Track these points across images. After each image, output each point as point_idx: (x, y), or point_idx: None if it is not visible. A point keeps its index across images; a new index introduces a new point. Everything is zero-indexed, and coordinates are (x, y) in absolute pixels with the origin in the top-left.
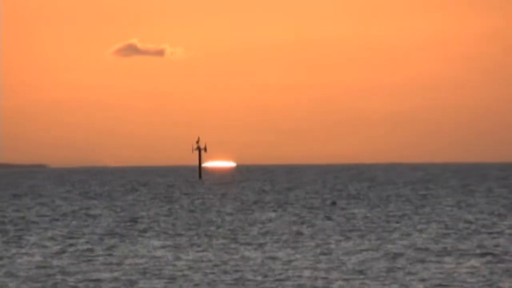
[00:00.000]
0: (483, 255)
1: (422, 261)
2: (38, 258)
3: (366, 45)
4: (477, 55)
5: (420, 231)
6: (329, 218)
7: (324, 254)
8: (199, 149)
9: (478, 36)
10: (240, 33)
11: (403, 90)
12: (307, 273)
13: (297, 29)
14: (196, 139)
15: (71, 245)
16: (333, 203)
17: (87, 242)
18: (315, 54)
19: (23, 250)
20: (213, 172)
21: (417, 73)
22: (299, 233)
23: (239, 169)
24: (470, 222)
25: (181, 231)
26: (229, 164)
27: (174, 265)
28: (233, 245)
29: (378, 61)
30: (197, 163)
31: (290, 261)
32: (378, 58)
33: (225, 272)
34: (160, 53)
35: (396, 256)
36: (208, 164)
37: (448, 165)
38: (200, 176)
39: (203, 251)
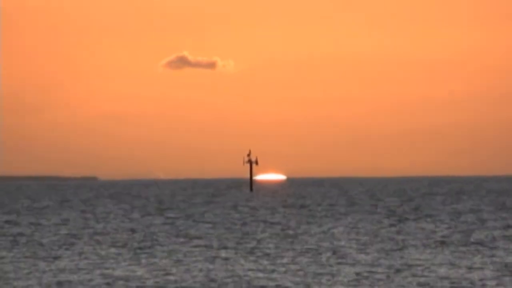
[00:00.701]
0: None
1: None
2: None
3: (411, 59)
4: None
5: None
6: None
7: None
8: (250, 162)
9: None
10: (290, 46)
11: (451, 103)
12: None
13: (348, 42)
14: (248, 152)
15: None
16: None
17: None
18: (365, 68)
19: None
20: (264, 185)
21: (462, 86)
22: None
23: (290, 182)
24: None
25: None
26: (279, 176)
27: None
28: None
29: (423, 75)
30: (247, 175)
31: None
32: (423, 72)
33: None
34: (211, 65)
35: None
36: (259, 177)
37: (485, 177)
38: (251, 189)
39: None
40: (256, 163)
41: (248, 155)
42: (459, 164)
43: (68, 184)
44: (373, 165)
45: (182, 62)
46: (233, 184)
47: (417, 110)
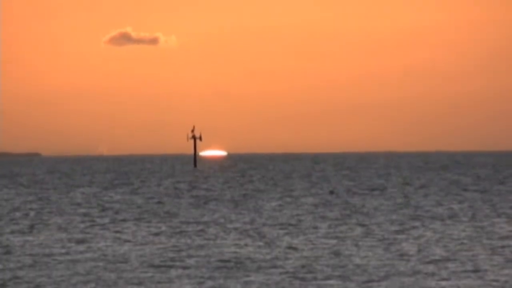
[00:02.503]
0: None
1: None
2: None
3: (359, 34)
4: (474, 42)
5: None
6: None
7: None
8: (194, 137)
9: (477, 23)
10: (232, 20)
11: (401, 78)
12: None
13: (289, 15)
14: (192, 128)
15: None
16: (331, 192)
17: None
18: (308, 41)
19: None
20: (208, 161)
21: (416, 61)
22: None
23: (231, 158)
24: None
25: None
26: (221, 153)
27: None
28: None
29: (370, 50)
30: (192, 151)
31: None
32: (370, 47)
33: None
34: (154, 41)
35: None
36: (202, 153)
37: (442, 153)
38: (195, 165)
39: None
40: (200, 139)
41: (192, 131)
42: (407, 140)
43: (11, 160)
44: (316, 140)
45: (124, 38)
46: (177, 160)
47: (361, 85)
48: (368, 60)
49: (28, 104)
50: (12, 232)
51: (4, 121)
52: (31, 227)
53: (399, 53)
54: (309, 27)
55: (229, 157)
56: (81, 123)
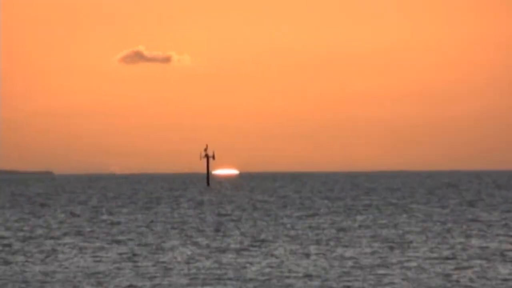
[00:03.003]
0: None
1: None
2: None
3: (369, 51)
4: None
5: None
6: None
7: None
8: (207, 156)
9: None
10: (245, 41)
11: (408, 97)
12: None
13: (301, 34)
14: (204, 147)
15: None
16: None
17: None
18: (320, 60)
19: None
20: (220, 179)
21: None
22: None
23: (243, 176)
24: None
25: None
26: (233, 171)
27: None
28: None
29: (383, 67)
30: (204, 170)
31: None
32: (383, 65)
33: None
34: (166, 60)
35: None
36: (214, 171)
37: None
38: (208, 184)
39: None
40: (213, 157)
41: (205, 149)
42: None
43: (24, 179)
44: (327, 159)
45: (137, 56)
46: (190, 179)
47: (375, 103)
48: (382, 78)
49: (40, 122)
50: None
51: (16, 139)
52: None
53: (414, 70)
54: (321, 46)
55: (241, 176)
56: (93, 141)
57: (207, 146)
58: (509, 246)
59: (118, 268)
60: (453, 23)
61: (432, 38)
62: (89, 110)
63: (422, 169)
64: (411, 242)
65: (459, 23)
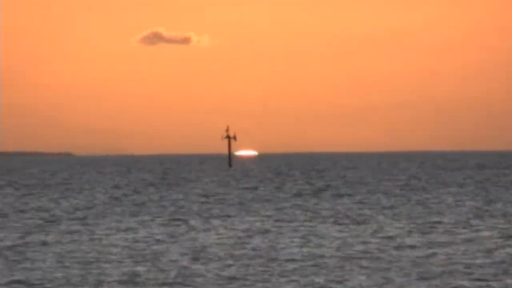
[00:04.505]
0: None
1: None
2: None
3: (391, 34)
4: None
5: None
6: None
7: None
8: (228, 137)
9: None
10: (264, 21)
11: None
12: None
13: (321, 16)
14: (226, 128)
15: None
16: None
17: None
18: (340, 42)
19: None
20: (241, 160)
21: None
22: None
23: (261, 157)
24: None
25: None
26: (252, 152)
27: None
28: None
29: (406, 49)
30: (225, 151)
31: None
32: (405, 46)
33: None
34: (186, 41)
35: None
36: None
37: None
38: (230, 165)
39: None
40: (235, 138)
41: (226, 130)
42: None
43: (45, 160)
44: (345, 140)
45: (156, 37)
46: (211, 160)
47: (394, 84)
48: (402, 59)
49: (59, 103)
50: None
51: (36, 121)
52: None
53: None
54: (341, 28)
55: (260, 156)
56: (112, 122)
57: (228, 127)
58: None
59: (168, 245)
60: (480, 3)
61: (459, 18)
62: (108, 91)
63: (447, 149)
64: None
65: (486, 3)
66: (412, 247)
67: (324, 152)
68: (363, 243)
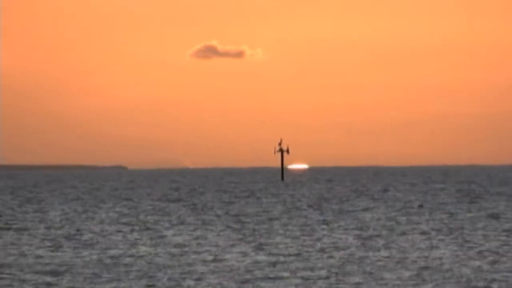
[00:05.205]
0: None
1: None
2: None
3: (443, 46)
4: None
5: None
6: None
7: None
8: (281, 150)
9: None
10: (317, 34)
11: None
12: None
13: (376, 27)
14: (279, 141)
15: None
16: (420, 206)
17: None
18: (393, 53)
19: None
20: (293, 174)
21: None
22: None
23: (313, 171)
24: None
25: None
26: (303, 166)
27: None
28: None
29: (456, 62)
30: (278, 164)
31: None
32: (456, 59)
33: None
34: (239, 54)
35: None
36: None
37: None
38: (282, 178)
39: None
40: (288, 151)
41: (280, 143)
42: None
43: (98, 173)
44: (395, 153)
45: (210, 51)
46: (263, 173)
47: (445, 97)
48: (454, 72)
49: (112, 117)
50: None
51: (90, 135)
52: None
53: (487, 67)
54: (394, 39)
55: (311, 170)
56: (165, 136)
57: (281, 140)
58: None
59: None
60: None
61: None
62: (162, 105)
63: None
64: None
65: None
66: None
67: (376, 166)
68: None
